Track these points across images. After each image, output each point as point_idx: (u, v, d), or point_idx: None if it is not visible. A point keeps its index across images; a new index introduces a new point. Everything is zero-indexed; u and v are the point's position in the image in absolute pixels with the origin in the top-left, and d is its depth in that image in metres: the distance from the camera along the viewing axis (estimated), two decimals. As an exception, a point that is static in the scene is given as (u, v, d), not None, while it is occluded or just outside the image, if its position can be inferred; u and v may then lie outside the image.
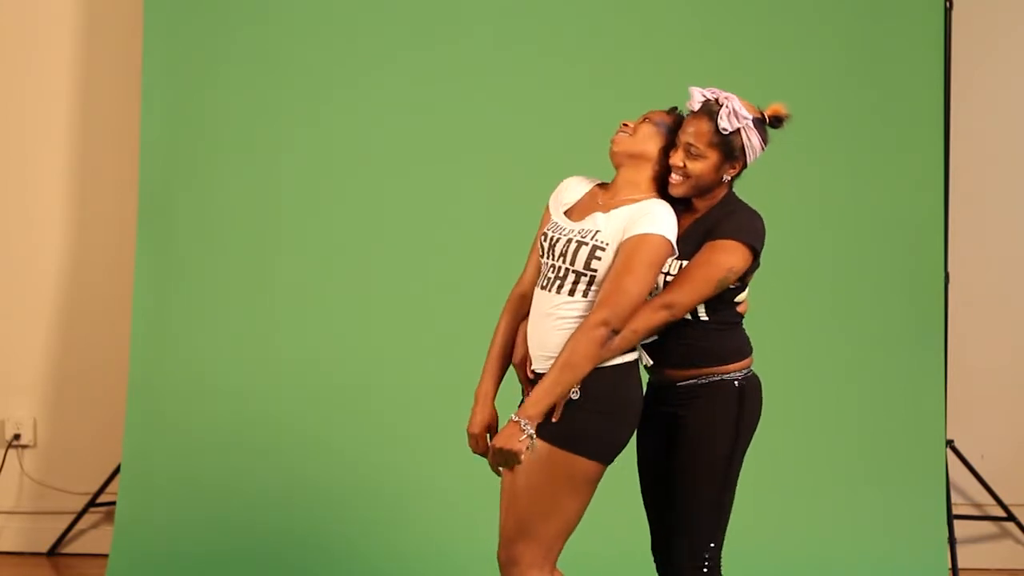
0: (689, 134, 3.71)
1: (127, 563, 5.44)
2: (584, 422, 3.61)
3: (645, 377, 3.78)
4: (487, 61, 5.62)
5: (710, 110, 3.71)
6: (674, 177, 3.73)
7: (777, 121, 3.79)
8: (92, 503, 5.86)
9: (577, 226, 3.72)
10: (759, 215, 3.75)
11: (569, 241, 3.70)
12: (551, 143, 5.58)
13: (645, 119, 3.80)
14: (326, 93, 5.63)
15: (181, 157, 5.67)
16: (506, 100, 5.60)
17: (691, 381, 3.72)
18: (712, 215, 3.74)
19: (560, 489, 3.62)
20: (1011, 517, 5.77)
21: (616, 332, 3.57)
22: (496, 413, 3.81)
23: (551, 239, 3.76)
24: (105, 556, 5.61)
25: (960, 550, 5.67)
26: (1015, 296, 5.90)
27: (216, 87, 5.68)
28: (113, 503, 5.66)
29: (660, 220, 3.64)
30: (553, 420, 3.59)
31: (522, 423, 3.53)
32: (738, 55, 5.58)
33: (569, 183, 3.93)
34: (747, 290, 3.78)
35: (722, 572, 3.72)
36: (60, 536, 5.93)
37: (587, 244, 3.66)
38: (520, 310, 3.88)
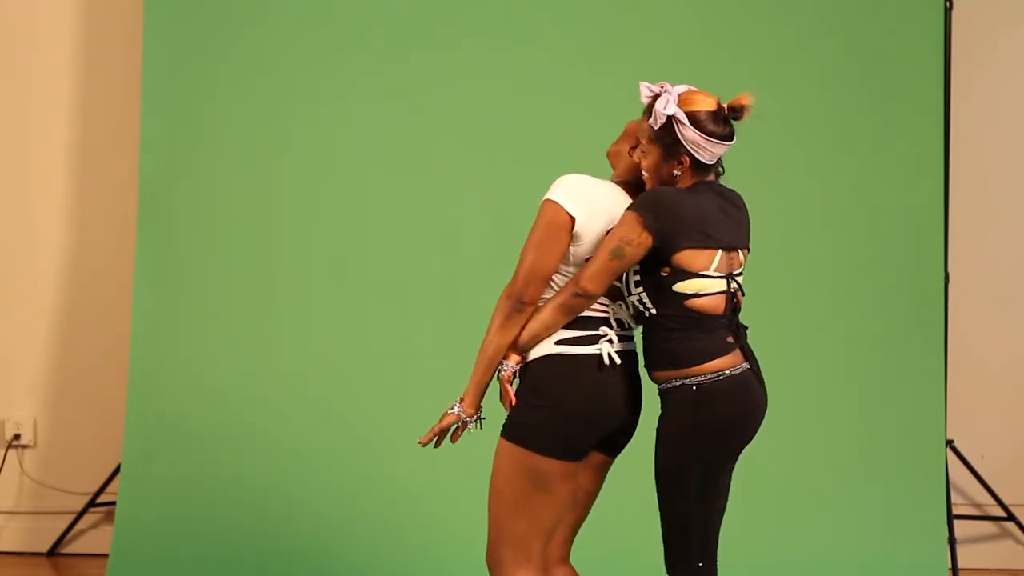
0: (638, 130, 3.71)
1: (127, 563, 5.44)
2: (525, 415, 3.61)
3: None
4: (487, 62, 5.62)
5: (651, 105, 3.67)
6: (643, 174, 3.72)
7: (735, 112, 3.67)
8: (92, 503, 5.86)
9: None
10: (674, 193, 3.61)
11: None
12: (552, 144, 5.57)
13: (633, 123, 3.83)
14: (326, 93, 5.63)
15: (181, 157, 5.67)
16: (506, 101, 5.60)
17: (663, 384, 3.62)
18: None
19: (521, 485, 3.59)
20: (1011, 517, 5.77)
21: (522, 304, 3.60)
22: None
23: None
24: (105, 556, 5.61)
25: (960, 550, 5.67)
26: (1015, 296, 5.90)
27: (216, 87, 5.68)
28: (113, 503, 5.66)
29: (558, 186, 3.67)
30: (506, 411, 3.61)
31: (456, 406, 3.68)
32: (738, 55, 5.57)
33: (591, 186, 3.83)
34: (695, 282, 3.58)
35: None
36: (60, 536, 5.93)
37: None
38: None
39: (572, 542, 3.81)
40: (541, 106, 5.61)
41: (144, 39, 5.62)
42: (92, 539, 5.95)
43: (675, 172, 3.65)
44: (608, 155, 3.86)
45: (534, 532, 3.63)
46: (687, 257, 3.58)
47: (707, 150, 3.64)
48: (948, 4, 5.54)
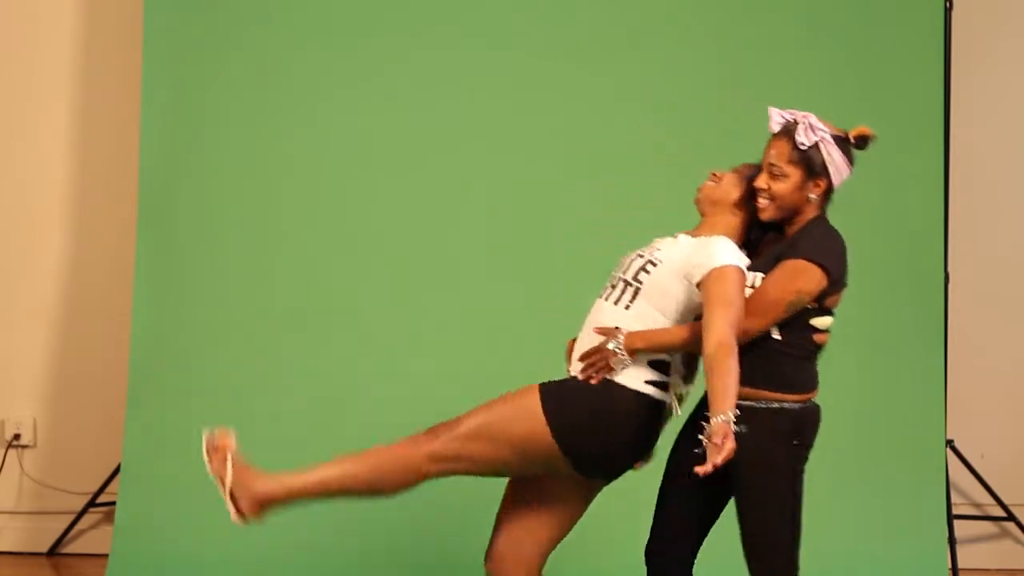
0: (771, 155, 3.72)
1: (127, 563, 5.44)
2: (577, 416, 3.65)
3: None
4: (487, 62, 5.62)
5: (788, 129, 3.72)
6: (760, 200, 3.73)
7: (862, 141, 3.79)
8: (92, 503, 5.86)
9: (652, 244, 3.84)
10: (839, 236, 3.74)
11: (635, 254, 3.81)
12: (552, 144, 5.58)
13: (733, 169, 3.85)
14: (326, 93, 5.63)
15: (181, 157, 5.67)
16: (506, 101, 5.60)
17: (750, 403, 3.64)
18: (794, 236, 3.73)
19: (510, 433, 3.65)
20: (1011, 517, 5.77)
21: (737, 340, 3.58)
22: None
23: (628, 256, 3.86)
24: (105, 556, 5.61)
25: (960, 550, 5.67)
26: (1015, 296, 5.90)
27: (216, 87, 5.68)
28: (113, 503, 5.66)
29: (730, 251, 3.67)
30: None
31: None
32: (738, 55, 5.58)
33: None
34: (830, 320, 3.73)
35: None
36: (60, 536, 5.93)
37: (643, 258, 3.76)
38: None
39: (547, 558, 3.85)
40: (541, 106, 5.61)
41: (144, 39, 5.62)
42: (92, 539, 5.95)
43: (811, 195, 3.73)
44: (704, 202, 3.86)
45: (476, 450, 3.68)
46: (836, 297, 3.74)
47: (842, 175, 3.76)
48: (948, 4, 5.54)
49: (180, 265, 5.65)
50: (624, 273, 3.77)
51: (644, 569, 3.86)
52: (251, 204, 5.65)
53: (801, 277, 3.64)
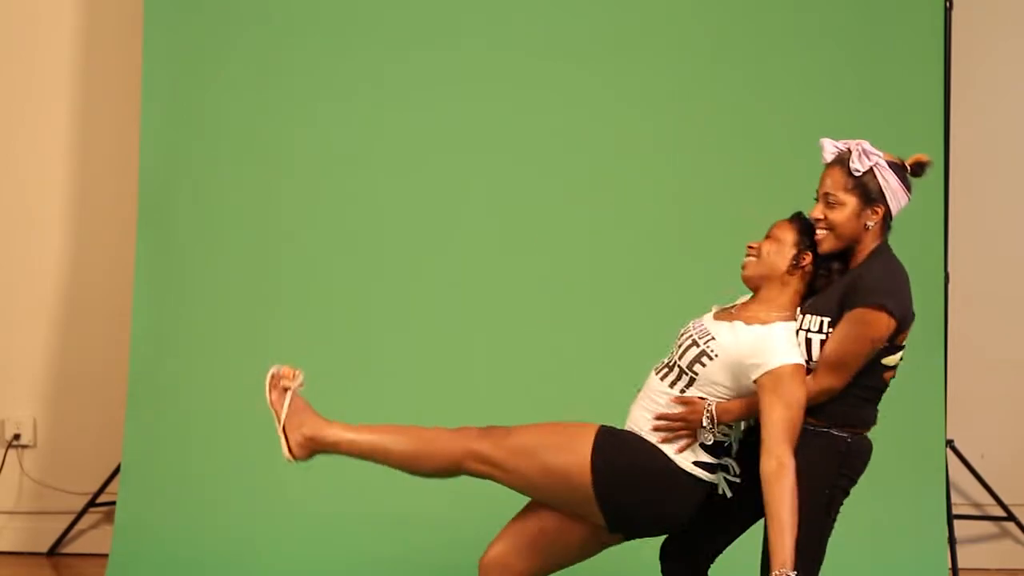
0: (826, 184, 3.72)
1: (127, 563, 5.44)
2: (624, 462, 3.68)
3: None
4: (487, 62, 5.62)
5: (842, 158, 3.71)
6: (818, 232, 3.72)
7: (919, 168, 3.77)
8: (92, 503, 5.86)
9: (706, 325, 3.80)
10: (901, 269, 3.71)
11: (690, 337, 3.78)
12: (553, 144, 5.58)
13: (767, 237, 3.83)
14: (326, 93, 5.63)
15: (181, 157, 5.67)
16: (506, 101, 5.60)
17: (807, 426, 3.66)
18: (855, 271, 3.70)
19: (555, 454, 3.68)
20: (1011, 517, 5.77)
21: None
22: None
23: (685, 330, 3.85)
24: (105, 556, 5.60)
25: (960, 550, 5.67)
26: (1015, 296, 5.90)
27: (216, 87, 5.68)
28: (113, 503, 5.66)
29: (786, 347, 3.66)
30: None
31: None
32: (738, 55, 5.57)
33: None
34: (899, 354, 3.73)
35: None
36: (60, 536, 5.93)
37: (699, 347, 3.74)
38: None
39: None
40: (541, 106, 5.61)
41: (144, 39, 5.62)
42: (92, 539, 5.95)
43: (868, 223, 3.71)
44: (755, 280, 3.82)
45: (516, 468, 3.71)
46: (905, 333, 3.72)
47: (899, 201, 3.73)
48: (948, 4, 5.54)
49: (180, 265, 5.65)
50: (680, 359, 3.77)
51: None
52: (251, 204, 5.64)
53: (871, 327, 3.62)
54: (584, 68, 5.58)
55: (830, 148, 3.76)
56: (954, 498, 5.73)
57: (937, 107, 5.53)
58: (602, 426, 3.74)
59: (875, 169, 3.69)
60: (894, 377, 3.77)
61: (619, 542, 3.85)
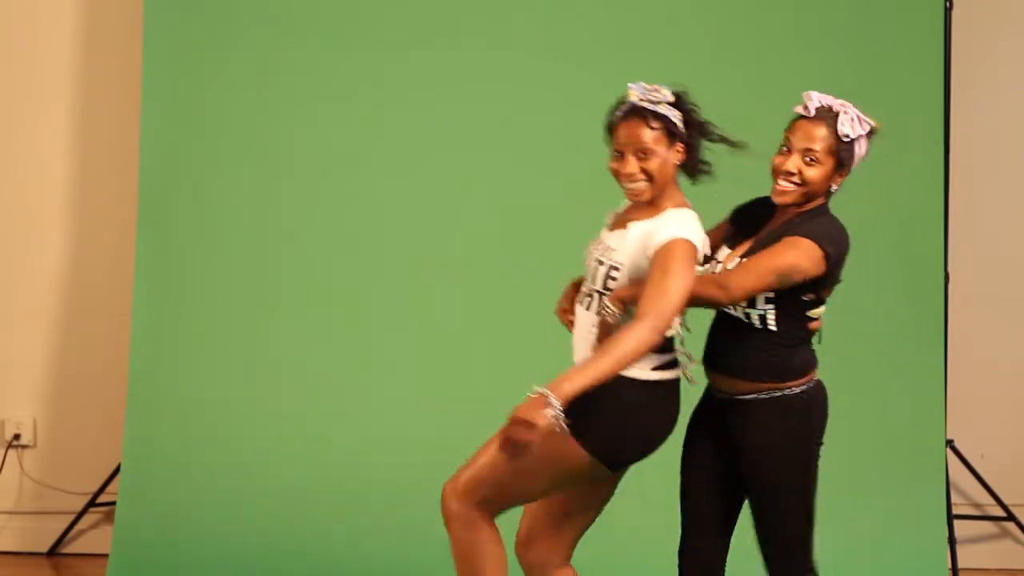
0: (808, 139, 3.61)
1: (127, 563, 5.44)
2: (602, 426, 3.61)
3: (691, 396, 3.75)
4: (487, 62, 5.62)
5: (826, 115, 3.63)
6: (783, 184, 3.63)
7: (872, 135, 3.73)
8: (92, 503, 5.86)
9: (604, 244, 3.76)
10: (846, 231, 3.68)
11: (595, 258, 3.75)
12: (553, 144, 5.58)
13: (636, 154, 3.70)
14: (326, 93, 5.63)
15: (181, 157, 5.67)
16: (507, 101, 5.60)
17: (753, 395, 3.64)
18: (797, 219, 3.65)
19: (550, 470, 3.61)
20: (1011, 517, 5.77)
21: (662, 335, 3.52)
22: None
23: (589, 254, 3.80)
24: (105, 556, 5.61)
25: (960, 550, 5.67)
26: (1015, 296, 5.90)
27: (216, 87, 5.68)
28: (113, 503, 5.66)
29: (681, 225, 3.60)
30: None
31: (550, 397, 3.42)
32: (738, 55, 5.58)
33: None
34: (823, 308, 3.70)
35: None
36: (60, 536, 5.93)
37: (604, 264, 3.69)
38: None
39: (576, 545, 3.83)
40: (541, 107, 5.61)
41: (144, 39, 5.62)
42: (92, 539, 5.95)
43: (834, 187, 3.68)
44: (642, 193, 3.70)
45: (506, 493, 3.65)
46: (830, 290, 3.69)
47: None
48: (948, 4, 5.54)
49: (180, 265, 5.65)
50: (594, 284, 3.70)
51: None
52: (251, 204, 5.65)
53: (800, 252, 3.57)
54: (584, 68, 5.58)
55: (817, 101, 3.64)
56: (954, 498, 5.73)
57: (937, 107, 5.53)
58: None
59: (860, 139, 3.64)
60: (820, 330, 3.71)
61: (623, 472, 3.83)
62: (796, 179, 3.62)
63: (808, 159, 3.61)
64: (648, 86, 3.80)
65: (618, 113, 3.78)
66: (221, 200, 5.65)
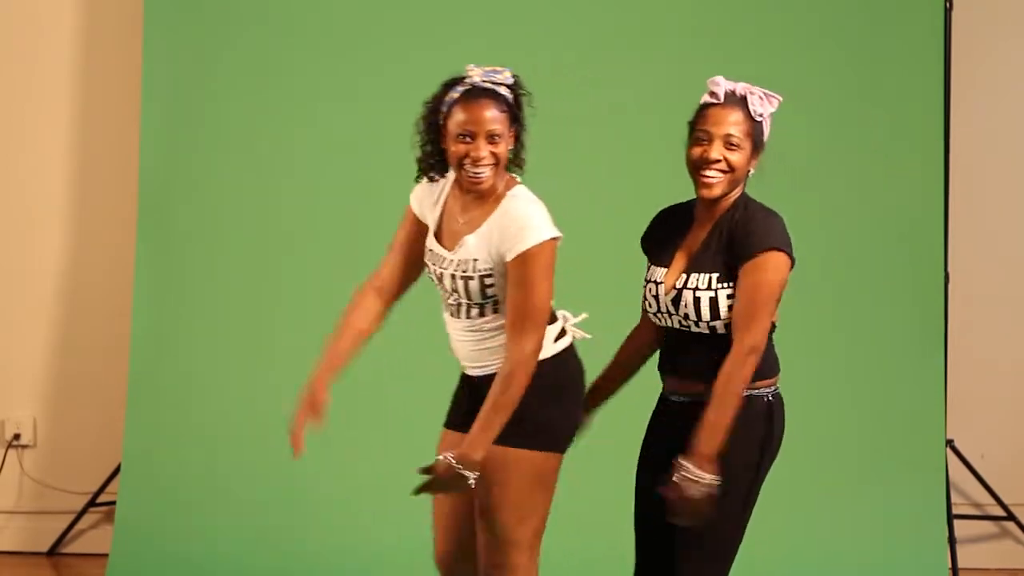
0: (726, 123, 3.51)
1: (127, 563, 5.44)
2: (539, 416, 3.53)
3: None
4: (487, 62, 5.59)
5: (734, 99, 3.55)
6: (711, 175, 3.51)
7: None
8: (92, 503, 5.86)
9: (453, 257, 3.61)
10: (774, 212, 3.57)
11: (454, 278, 3.61)
12: (552, 144, 5.56)
13: (485, 138, 3.62)
14: (326, 93, 5.63)
15: (181, 157, 5.67)
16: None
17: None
18: (730, 219, 3.53)
19: (533, 490, 3.55)
20: (1011, 517, 5.77)
21: (535, 355, 3.46)
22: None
23: (436, 273, 3.66)
24: (105, 556, 5.61)
25: (960, 550, 5.66)
26: (1015, 296, 5.90)
27: (216, 87, 5.68)
28: (113, 503, 5.66)
29: (533, 224, 3.52)
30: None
31: (457, 467, 3.46)
32: (738, 55, 5.57)
33: (421, 196, 3.80)
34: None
35: None
36: (60, 536, 5.93)
37: (474, 278, 3.57)
38: (370, 306, 3.86)
39: None
40: (541, 106, 5.60)
41: (144, 39, 5.62)
42: (92, 539, 5.95)
43: (751, 170, 3.55)
44: (485, 183, 3.59)
45: (542, 532, 3.60)
46: None
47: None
48: (948, 4, 5.54)
49: (180, 265, 5.65)
50: (467, 298, 3.60)
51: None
52: (251, 204, 5.65)
53: (777, 270, 3.50)
54: (584, 68, 5.58)
55: (727, 85, 3.57)
56: (954, 498, 5.73)
57: (937, 107, 5.53)
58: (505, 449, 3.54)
59: (768, 117, 3.55)
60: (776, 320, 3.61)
61: None
62: (722, 166, 3.50)
63: (731, 144, 3.50)
64: (489, 68, 3.68)
65: (455, 93, 3.65)
66: (221, 200, 5.65)
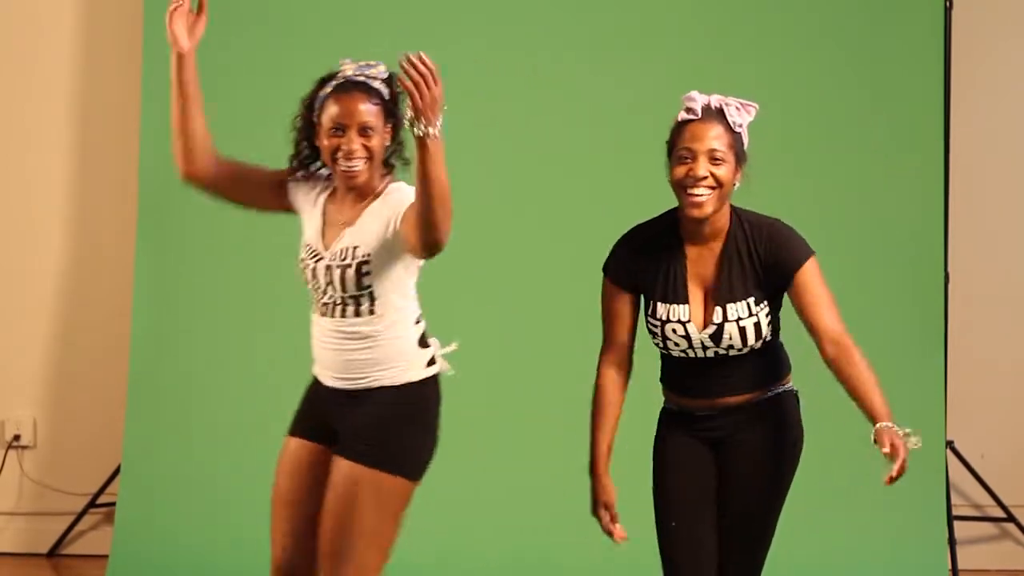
0: (709, 138, 3.41)
1: (127, 564, 5.44)
2: (407, 442, 3.47)
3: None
4: (487, 61, 5.62)
5: (711, 113, 3.43)
6: (699, 192, 3.42)
7: None
8: (92, 503, 5.85)
9: (332, 249, 3.54)
10: (771, 217, 3.56)
11: (329, 269, 3.52)
12: (552, 143, 5.57)
13: (359, 130, 3.59)
14: (326, 93, 5.63)
15: (181, 157, 5.66)
16: (507, 101, 5.60)
17: (748, 398, 3.54)
18: (743, 240, 3.48)
19: (393, 517, 3.50)
20: (1011, 518, 5.77)
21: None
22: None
23: (311, 268, 3.58)
24: (105, 557, 5.60)
25: (960, 551, 5.66)
26: (1015, 296, 5.90)
27: (216, 87, 5.66)
28: (113, 503, 5.66)
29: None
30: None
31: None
32: (737, 56, 5.58)
33: (294, 190, 3.85)
34: None
35: None
36: (60, 537, 5.92)
37: (351, 266, 3.50)
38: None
39: None
40: (541, 106, 5.61)
41: (144, 39, 5.63)
42: (92, 540, 5.95)
43: (737, 182, 3.47)
44: (359, 175, 3.56)
45: (386, 560, 3.53)
46: None
47: None
48: (948, 4, 5.54)
49: (180, 265, 5.65)
50: (344, 291, 3.49)
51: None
52: (251, 204, 5.64)
53: (818, 270, 3.54)
54: (585, 68, 5.59)
55: (703, 100, 3.44)
56: (954, 499, 5.73)
57: (937, 107, 5.53)
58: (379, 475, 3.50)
59: (745, 127, 3.47)
60: None
61: None
62: (710, 183, 3.40)
63: (715, 158, 3.41)
64: (363, 62, 3.62)
65: (328, 88, 3.62)
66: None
